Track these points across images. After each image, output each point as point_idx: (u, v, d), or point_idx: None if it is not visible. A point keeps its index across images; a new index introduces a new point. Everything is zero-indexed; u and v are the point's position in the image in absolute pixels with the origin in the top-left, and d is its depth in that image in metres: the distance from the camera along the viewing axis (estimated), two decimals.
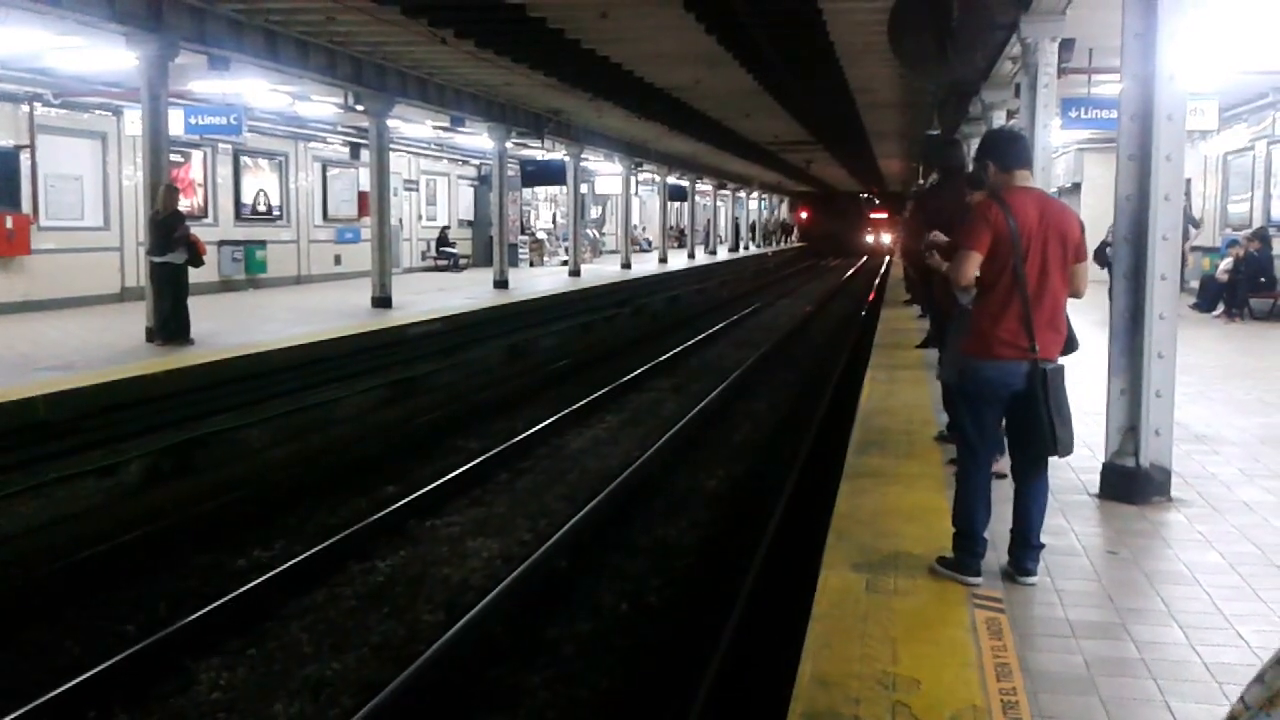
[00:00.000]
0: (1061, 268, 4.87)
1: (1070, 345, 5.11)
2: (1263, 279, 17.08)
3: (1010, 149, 5.11)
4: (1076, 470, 6.76)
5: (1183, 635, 4.32)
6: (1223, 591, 4.81)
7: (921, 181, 27.83)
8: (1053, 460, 4.98)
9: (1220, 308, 17.09)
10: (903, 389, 10.12)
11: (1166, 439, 6.25)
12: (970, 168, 7.69)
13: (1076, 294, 5.04)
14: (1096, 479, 6.42)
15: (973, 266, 4.83)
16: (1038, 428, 4.77)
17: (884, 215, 72.91)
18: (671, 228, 46.63)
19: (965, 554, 4.91)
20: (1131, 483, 6.22)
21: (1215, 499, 6.35)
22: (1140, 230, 6.18)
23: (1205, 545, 5.49)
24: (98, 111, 18.50)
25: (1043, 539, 4.98)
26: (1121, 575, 5.06)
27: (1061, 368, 4.89)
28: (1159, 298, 6.14)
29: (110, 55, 14.01)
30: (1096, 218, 12.46)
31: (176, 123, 15.83)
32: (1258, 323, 16.64)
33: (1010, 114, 15.10)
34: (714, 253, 46.04)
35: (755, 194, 60.89)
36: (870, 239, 72.61)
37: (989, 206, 4.86)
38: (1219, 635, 4.33)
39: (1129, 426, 6.25)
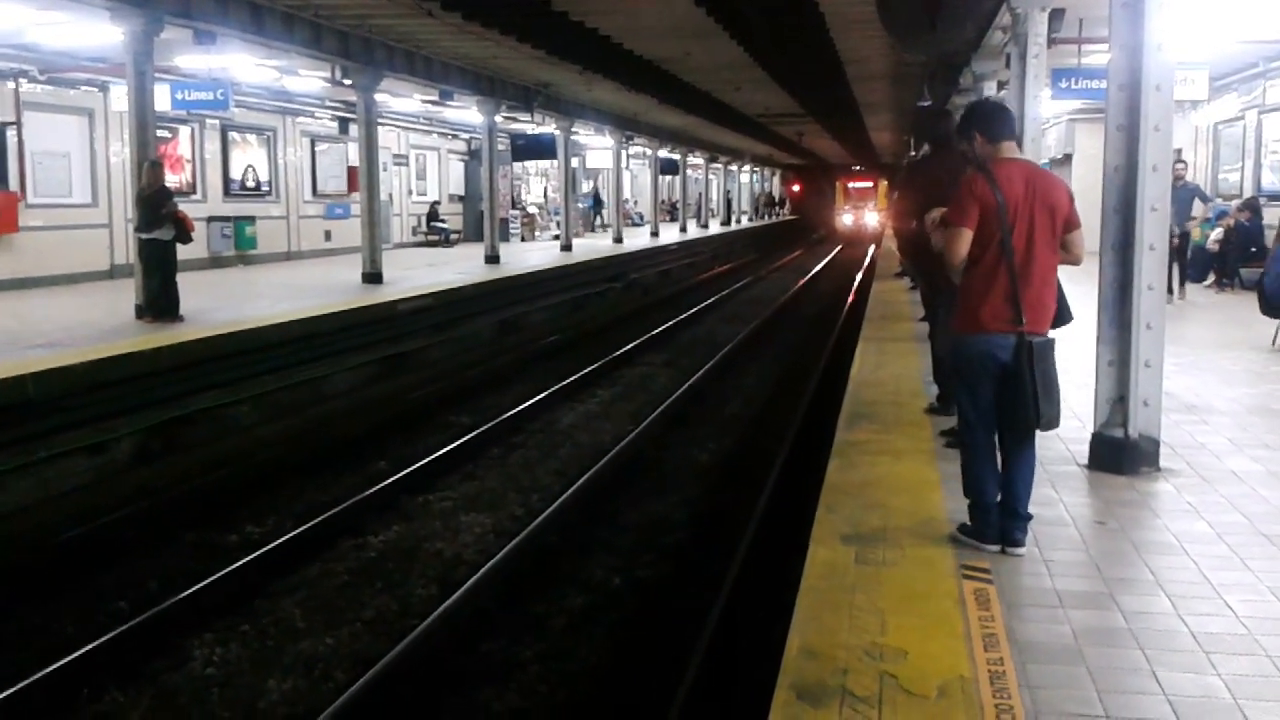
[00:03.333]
0: (1050, 239, 4.85)
1: (1062, 317, 5.11)
2: (1253, 249, 17.07)
3: (996, 120, 5.07)
4: (1065, 441, 6.78)
5: (1170, 605, 4.34)
6: (1210, 561, 4.83)
7: (913, 153, 27.76)
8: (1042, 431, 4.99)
9: (1211, 278, 17.10)
10: (893, 362, 10.12)
11: (1155, 409, 6.26)
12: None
13: (1075, 262, 5.03)
14: (1085, 449, 6.42)
15: (965, 244, 4.80)
16: (1022, 401, 4.78)
17: (868, 184, 58.04)
18: (663, 201, 46.48)
19: (981, 524, 4.94)
20: (1120, 453, 6.23)
21: (1204, 469, 6.37)
22: (1129, 201, 6.17)
23: (1193, 515, 5.51)
24: (84, 88, 18.34)
25: (1031, 510, 4.99)
26: (1109, 545, 5.07)
27: (1051, 341, 4.88)
28: (1147, 268, 6.14)
29: (95, 30, 13.88)
30: (1087, 188, 12.40)
31: (163, 98, 15.69)
32: (1248, 293, 16.61)
33: (1001, 85, 15.05)
34: (706, 226, 45.92)
35: (747, 167, 60.63)
36: (848, 218, 56.92)
37: (975, 180, 4.84)
38: (1206, 605, 4.35)
39: (1118, 397, 6.26)
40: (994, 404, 4.95)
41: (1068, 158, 25.05)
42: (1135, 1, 6.11)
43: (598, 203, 42.46)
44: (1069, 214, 4.91)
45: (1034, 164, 5.28)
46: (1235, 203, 17.81)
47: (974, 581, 4.52)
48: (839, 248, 45.62)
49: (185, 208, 14.06)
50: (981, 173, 4.86)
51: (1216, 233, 17.05)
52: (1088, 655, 3.86)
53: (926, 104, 19.85)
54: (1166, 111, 6.16)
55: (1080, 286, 7.39)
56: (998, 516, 4.94)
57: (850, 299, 21.90)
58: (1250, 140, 18.62)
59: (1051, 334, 4.94)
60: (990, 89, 14.89)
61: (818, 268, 33.86)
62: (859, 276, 26.54)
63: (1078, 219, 4.96)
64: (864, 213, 55.88)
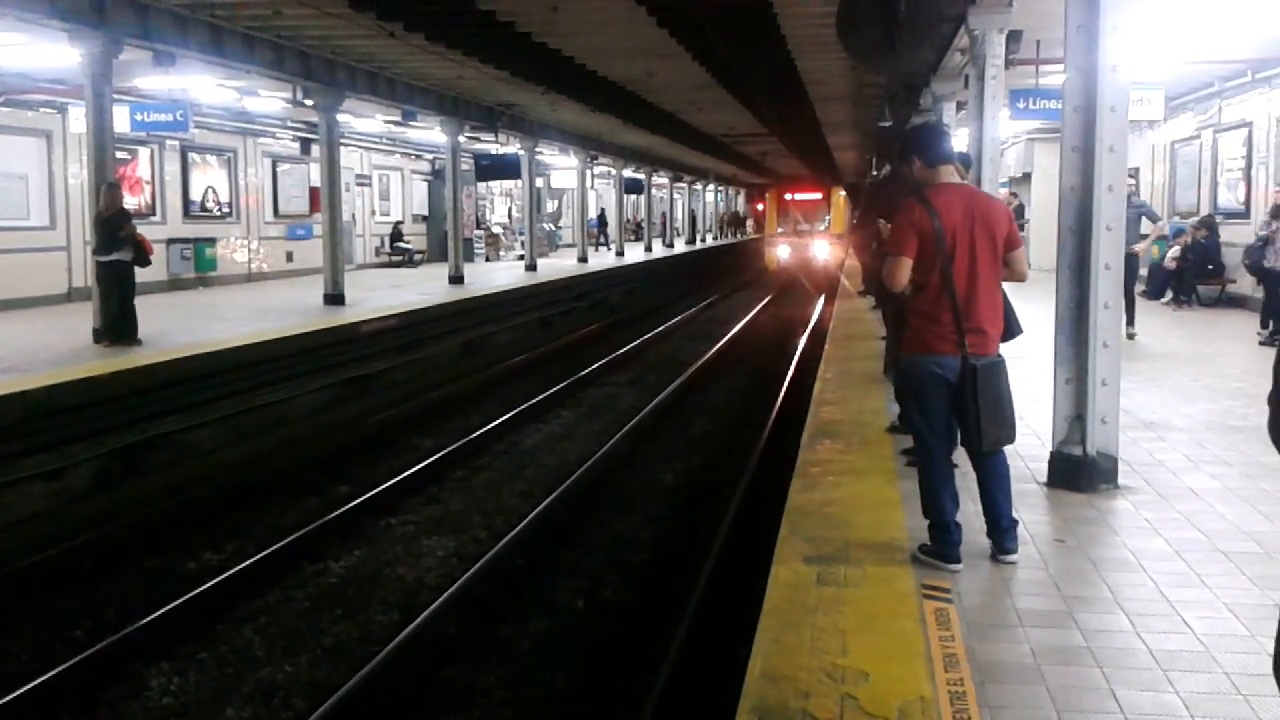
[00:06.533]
0: (992, 262, 4.92)
1: (1011, 331, 5.18)
2: (1210, 266, 17.30)
3: (933, 144, 5.13)
4: (1025, 459, 6.82)
5: (1129, 623, 4.36)
6: (1168, 578, 4.86)
7: (875, 173, 27.91)
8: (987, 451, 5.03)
9: (1169, 295, 17.30)
10: (855, 381, 10.16)
11: (1113, 427, 6.31)
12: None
13: (1019, 279, 5.12)
14: (1044, 467, 6.47)
15: (904, 271, 4.89)
16: (966, 424, 4.88)
17: (815, 196, 38.16)
18: (628, 221, 46.59)
19: (941, 544, 4.97)
20: (1079, 471, 6.27)
21: (1162, 486, 6.42)
22: (1085, 221, 6.23)
23: (1151, 532, 5.55)
24: (42, 109, 18.17)
25: (986, 527, 5.05)
26: (1069, 563, 5.10)
27: (998, 362, 4.93)
28: (1103, 287, 6.19)
29: (53, 52, 13.75)
30: (1048, 208, 12.53)
31: (122, 120, 15.55)
32: (1205, 309, 16.86)
33: (960, 105, 15.20)
34: (671, 246, 46.04)
35: (711, 186, 60.85)
36: (784, 250, 36.64)
37: (912, 209, 4.90)
38: (1164, 622, 4.37)
39: (1075, 415, 6.30)
40: (947, 421, 4.99)
41: (1027, 176, 25.29)
42: (1090, 24, 6.19)
43: (603, 222, 42.74)
44: (1009, 235, 4.99)
45: (972, 187, 5.35)
46: (1192, 220, 18.03)
47: (935, 601, 4.53)
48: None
49: (144, 230, 13.93)
50: (919, 200, 4.90)
51: (1174, 250, 17.26)
52: (1047, 674, 3.87)
53: (887, 124, 20.00)
54: (1121, 132, 6.23)
55: (1038, 304, 7.47)
56: (960, 535, 4.97)
57: (812, 325, 21.87)
58: (1206, 159, 18.88)
59: (1001, 351, 5.00)
60: (950, 109, 15.03)
61: (786, 281, 33.71)
62: (824, 295, 26.28)
63: (1018, 239, 5.06)
64: (811, 240, 36.29)
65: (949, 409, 4.95)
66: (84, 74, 12.77)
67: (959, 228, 4.83)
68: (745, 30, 13.84)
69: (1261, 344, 12.45)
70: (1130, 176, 14.22)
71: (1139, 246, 13.95)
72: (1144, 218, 13.69)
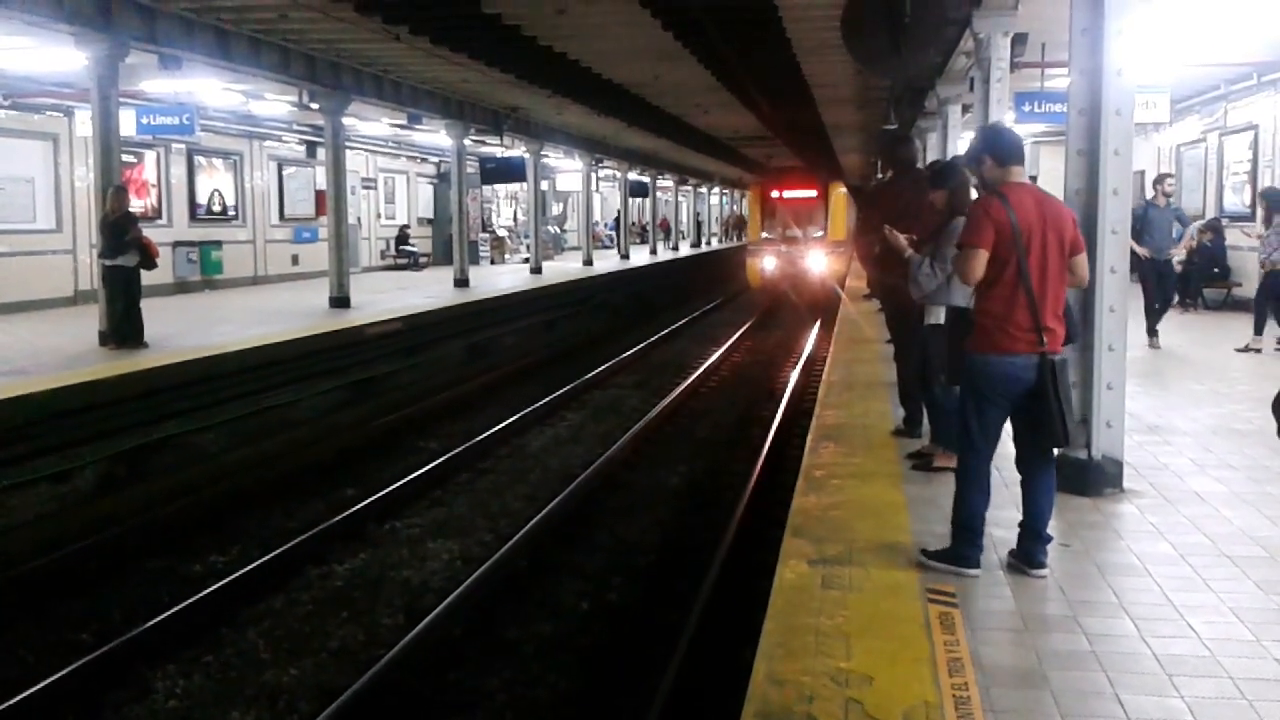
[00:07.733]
0: (1061, 262, 4.90)
1: (1071, 335, 5.16)
2: (1216, 269, 17.28)
3: (1006, 144, 5.11)
4: None
5: (1134, 627, 4.35)
6: (1173, 582, 4.85)
7: (879, 176, 27.83)
8: (1005, 454, 5.02)
9: (1174, 298, 17.25)
10: (860, 384, 10.15)
11: (1118, 431, 6.30)
12: (920, 163, 7.74)
13: (1080, 284, 5.13)
14: None
15: (980, 264, 4.83)
16: (1048, 420, 4.81)
17: (809, 194, 28.85)
18: (633, 224, 46.61)
19: (966, 546, 4.93)
20: (1084, 475, 6.26)
21: (1167, 490, 6.41)
22: (1090, 225, 6.22)
23: (1156, 536, 5.54)
24: (49, 113, 18.21)
25: (995, 531, 5.02)
26: (1074, 567, 5.09)
27: (1066, 360, 4.93)
28: (1109, 291, 6.19)
29: (60, 55, 13.78)
30: None
31: (128, 123, 15.58)
32: (1211, 313, 16.84)
33: (965, 108, 15.19)
34: (676, 249, 46.03)
35: (716, 189, 60.82)
36: (770, 261, 28.09)
37: (990, 202, 4.88)
38: (1169, 626, 4.36)
39: (1081, 419, 6.26)
40: (999, 428, 4.96)
41: (1032, 180, 25.16)
42: (1094, 28, 6.19)
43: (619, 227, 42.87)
44: (1075, 238, 4.97)
45: (1041, 189, 5.31)
46: (1198, 224, 17.99)
47: (939, 605, 4.53)
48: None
49: (150, 233, 13.95)
50: (995, 195, 4.89)
51: (1179, 254, 17.22)
52: (1052, 678, 3.86)
53: (891, 128, 19.99)
54: (1126, 136, 6.23)
55: None
56: (984, 541, 4.95)
57: (816, 329, 21.81)
58: (1212, 162, 18.85)
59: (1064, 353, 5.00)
60: (955, 112, 15.03)
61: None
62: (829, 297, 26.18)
63: (1082, 243, 5.03)
64: (805, 248, 27.92)
65: (1006, 413, 4.93)
66: (90, 77, 12.80)
67: (1033, 226, 4.81)
68: (750, 33, 13.86)
69: None
70: (1171, 178, 14.18)
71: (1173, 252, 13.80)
72: (1177, 222, 13.62)
